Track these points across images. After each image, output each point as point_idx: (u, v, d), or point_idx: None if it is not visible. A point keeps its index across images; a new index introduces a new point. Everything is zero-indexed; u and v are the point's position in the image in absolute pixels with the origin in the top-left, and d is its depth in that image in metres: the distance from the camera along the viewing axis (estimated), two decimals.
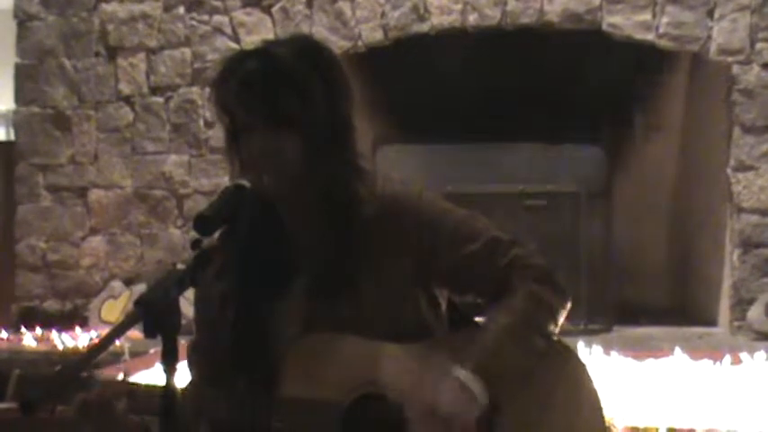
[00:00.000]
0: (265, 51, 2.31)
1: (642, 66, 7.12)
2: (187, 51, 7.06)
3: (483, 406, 2.23)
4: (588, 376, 2.39)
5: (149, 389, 2.29)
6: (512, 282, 2.32)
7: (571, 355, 2.41)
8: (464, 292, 2.43)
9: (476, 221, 2.38)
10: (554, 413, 2.34)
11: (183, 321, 1.96)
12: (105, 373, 4.32)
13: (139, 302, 1.93)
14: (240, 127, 2.27)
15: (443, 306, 2.43)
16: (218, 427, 2.27)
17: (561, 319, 2.34)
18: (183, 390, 2.21)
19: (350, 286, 2.30)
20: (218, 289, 2.34)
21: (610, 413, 4.05)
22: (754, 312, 6.34)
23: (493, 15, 6.66)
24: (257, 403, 2.25)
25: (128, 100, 7.15)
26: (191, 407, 2.24)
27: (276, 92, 2.23)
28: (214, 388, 2.30)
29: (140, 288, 6.75)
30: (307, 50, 2.33)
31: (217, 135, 6.83)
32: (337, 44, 6.63)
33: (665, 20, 6.51)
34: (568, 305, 2.36)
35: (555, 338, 2.35)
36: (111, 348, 2.70)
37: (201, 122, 7.03)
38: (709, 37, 6.49)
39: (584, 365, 2.40)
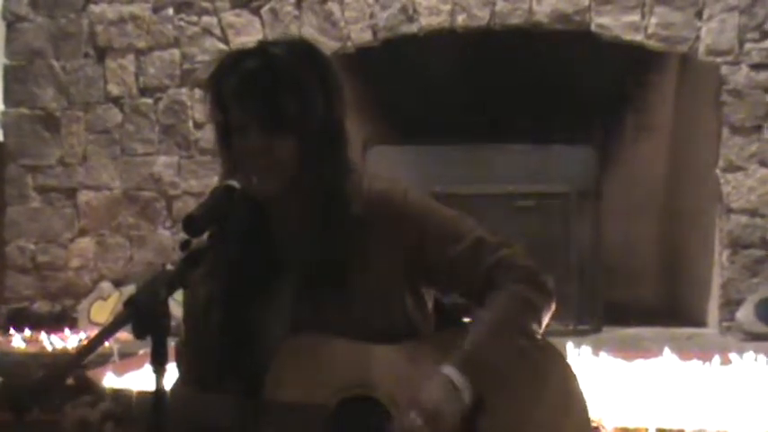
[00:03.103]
0: (265, 51, 2.31)
1: (631, 66, 7.13)
2: (176, 52, 7.05)
3: (468, 402, 2.23)
4: (576, 380, 2.39)
5: (138, 394, 2.28)
6: (496, 282, 2.32)
7: (559, 358, 2.41)
8: (450, 291, 2.42)
9: (462, 221, 2.38)
10: (541, 415, 2.34)
11: (173, 322, 1.96)
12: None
13: (129, 303, 1.92)
14: (235, 125, 2.27)
15: (430, 306, 2.43)
16: (205, 430, 2.26)
17: (545, 319, 2.34)
18: (169, 390, 2.21)
19: (337, 286, 2.30)
20: (206, 289, 2.34)
21: (599, 414, 4.06)
22: (744, 313, 6.35)
23: (482, 16, 6.66)
24: (244, 406, 2.24)
25: (117, 101, 7.14)
26: (175, 407, 2.23)
27: (275, 92, 2.23)
28: (201, 390, 2.30)
29: (129, 289, 6.73)
30: (304, 52, 2.33)
31: (206, 136, 6.83)
32: (326, 45, 6.62)
33: (653, 20, 6.53)
34: (553, 306, 2.36)
35: (543, 341, 2.35)
36: (101, 350, 2.69)
37: (191, 124, 7.02)
38: (698, 37, 6.50)
39: (571, 369, 2.40)
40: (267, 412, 2.23)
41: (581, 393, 2.39)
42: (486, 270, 2.33)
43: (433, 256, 2.33)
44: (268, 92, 2.23)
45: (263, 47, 2.34)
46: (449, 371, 2.24)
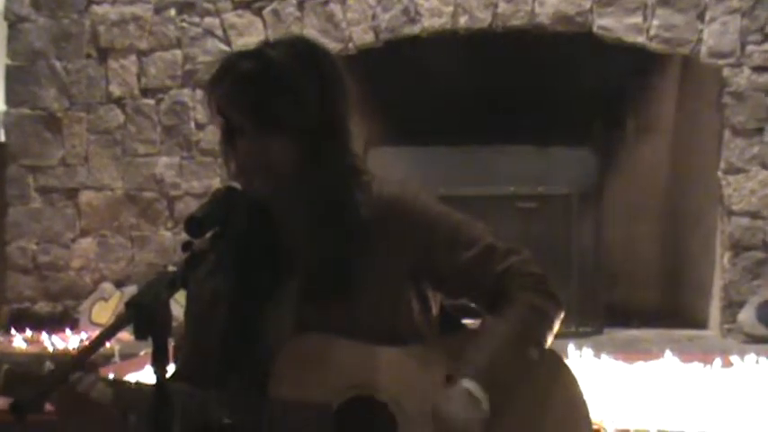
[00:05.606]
0: (259, 53, 2.30)
1: (633, 68, 7.13)
2: (178, 53, 7.05)
3: (486, 414, 2.23)
4: (578, 385, 2.39)
5: (138, 386, 2.28)
6: (508, 289, 2.32)
7: (560, 363, 2.41)
8: (459, 297, 2.42)
9: (473, 227, 2.37)
10: (548, 423, 2.34)
11: (174, 323, 1.96)
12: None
13: (130, 304, 1.92)
14: (234, 128, 2.27)
15: (435, 311, 2.42)
16: (205, 428, 2.26)
17: (556, 328, 2.35)
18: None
19: (344, 288, 2.29)
20: (209, 288, 2.33)
21: (600, 416, 4.05)
22: (745, 315, 6.35)
23: (483, 17, 6.66)
24: (248, 404, 2.24)
25: (119, 102, 7.14)
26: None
27: (268, 94, 2.23)
28: (202, 387, 2.30)
29: (131, 290, 6.74)
30: (302, 52, 2.32)
31: (208, 137, 6.82)
32: (328, 46, 6.58)
33: (655, 22, 6.52)
34: (562, 314, 2.36)
35: (547, 349, 2.35)
36: (102, 350, 2.69)
37: (192, 124, 7.01)
38: (700, 40, 6.50)
39: (573, 374, 2.40)
40: (270, 411, 2.23)
41: (583, 398, 2.40)
42: (496, 277, 2.33)
43: (442, 262, 2.33)
44: (258, 92, 2.23)
45: (258, 48, 2.34)
46: (469, 384, 2.23)
